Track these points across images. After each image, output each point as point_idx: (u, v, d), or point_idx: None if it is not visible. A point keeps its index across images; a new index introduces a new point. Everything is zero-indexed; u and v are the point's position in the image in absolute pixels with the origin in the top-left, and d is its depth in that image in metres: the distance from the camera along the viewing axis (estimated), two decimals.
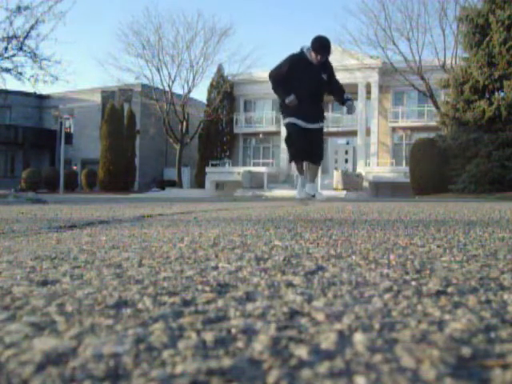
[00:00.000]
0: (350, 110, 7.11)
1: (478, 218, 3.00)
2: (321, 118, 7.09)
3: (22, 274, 0.99)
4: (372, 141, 30.77)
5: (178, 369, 0.47)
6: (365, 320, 0.64)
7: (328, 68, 6.94)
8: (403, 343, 0.54)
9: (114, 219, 2.77)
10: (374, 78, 30.57)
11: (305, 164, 7.26)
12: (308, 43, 6.70)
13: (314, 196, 7.09)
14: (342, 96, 7.03)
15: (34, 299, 0.76)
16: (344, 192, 23.84)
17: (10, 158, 40.17)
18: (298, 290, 0.82)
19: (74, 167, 38.86)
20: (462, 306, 0.71)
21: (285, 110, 7.01)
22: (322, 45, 6.64)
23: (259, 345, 0.54)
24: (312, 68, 6.73)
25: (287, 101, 6.65)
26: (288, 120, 7.00)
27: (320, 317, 0.65)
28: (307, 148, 6.98)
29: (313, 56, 6.66)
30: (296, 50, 6.86)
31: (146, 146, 37.33)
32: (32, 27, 22.33)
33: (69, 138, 38.82)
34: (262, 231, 1.96)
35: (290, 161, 7.39)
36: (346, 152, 33.88)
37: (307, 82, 6.71)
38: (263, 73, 27.13)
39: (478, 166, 18.95)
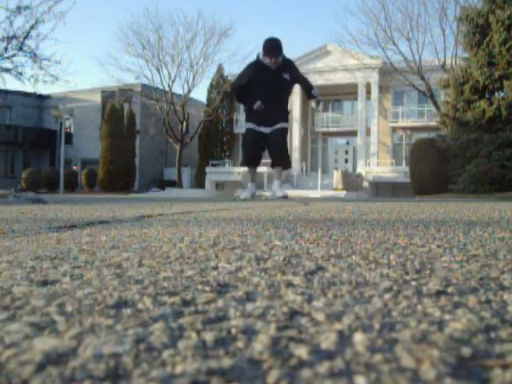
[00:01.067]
0: (319, 106, 7.23)
1: (478, 218, 3.00)
2: (281, 120, 7.11)
3: (22, 274, 0.99)
4: (372, 141, 30.77)
5: (178, 369, 0.47)
6: (365, 320, 0.64)
7: (289, 67, 7.03)
8: (403, 343, 0.54)
9: (114, 219, 2.77)
10: (374, 78, 30.58)
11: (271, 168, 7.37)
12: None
13: (286, 197, 7.21)
14: (310, 91, 7.16)
15: (34, 299, 0.76)
16: (344, 192, 23.86)
17: (10, 158, 40.17)
18: (298, 290, 0.82)
19: (74, 167, 38.88)
20: (462, 306, 0.71)
21: (246, 114, 7.19)
22: (269, 47, 6.81)
23: (259, 345, 0.54)
24: (270, 71, 6.85)
25: (255, 107, 6.81)
26: (246, 126, 7.19)
27: (320, 317, 0.65)
28: (259, 154, 7.16)
29: (267, 59, 6.79)
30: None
31: (146, 146, 37.33)
32: (32, 27, 22.36)
33: (69, 137, 38.85)
34: (262, 231, 1.96)
35: (241, 165, 7.67)
36: (346, 152, 33.90)
37: (267, 85, 6.83)
38: None
39: (478, 166, 18.95)
